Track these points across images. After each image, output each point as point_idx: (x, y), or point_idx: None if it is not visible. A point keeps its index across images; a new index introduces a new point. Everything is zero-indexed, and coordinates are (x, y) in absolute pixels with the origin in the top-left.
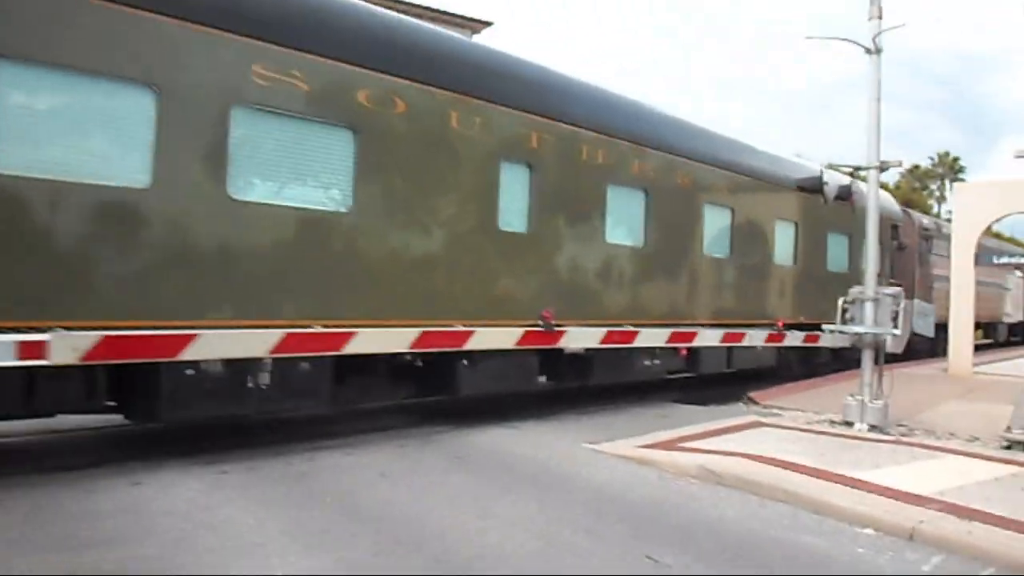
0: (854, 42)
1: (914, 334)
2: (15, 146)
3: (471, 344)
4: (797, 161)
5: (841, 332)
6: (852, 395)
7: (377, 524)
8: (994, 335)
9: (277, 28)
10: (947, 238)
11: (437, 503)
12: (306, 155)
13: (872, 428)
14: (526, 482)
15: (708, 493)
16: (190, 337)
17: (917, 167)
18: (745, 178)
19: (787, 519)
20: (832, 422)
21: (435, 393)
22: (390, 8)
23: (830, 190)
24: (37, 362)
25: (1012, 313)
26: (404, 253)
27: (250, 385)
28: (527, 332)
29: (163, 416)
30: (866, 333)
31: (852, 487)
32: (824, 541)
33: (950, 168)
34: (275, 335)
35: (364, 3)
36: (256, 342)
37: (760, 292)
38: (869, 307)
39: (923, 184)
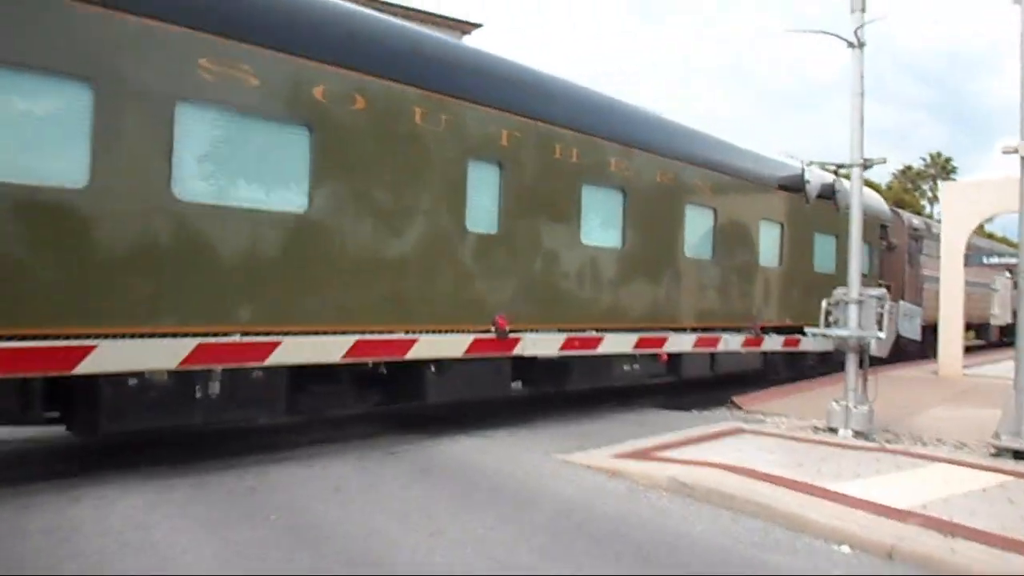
0: (836, 35)
1: (900, 336)
2: None
3: (412, 354)
4: (781, 160)
5: (824, 335)
6: (836, 400)
7: (320, 545)
8: (986, 336)
9: (224, 20)
10: (937, 238)
11: (388, 520)
12: (258, 153)
13: (857, 435)
14: (488, 497)
15: (678, 507)
16: (88, 349)
17: (909, 168)
18: (728, 177)
19: (759, 535)
20: (816, 428)
21: (403, 400)
22: (378, 11)
23: (812, 188)
24: None
25: (999, 315)
26: (360, 255)
27: (199, 395)
28: (475, 340)
29: (103, 428)
30: (850, 336)
31: (830, 500)
32: (797, 560)
33: (942, 168)
34: (187, 345)
35: None
36: (164, 353)
37: (745, 295)
38: (853, 309)
39: (915, 185)
